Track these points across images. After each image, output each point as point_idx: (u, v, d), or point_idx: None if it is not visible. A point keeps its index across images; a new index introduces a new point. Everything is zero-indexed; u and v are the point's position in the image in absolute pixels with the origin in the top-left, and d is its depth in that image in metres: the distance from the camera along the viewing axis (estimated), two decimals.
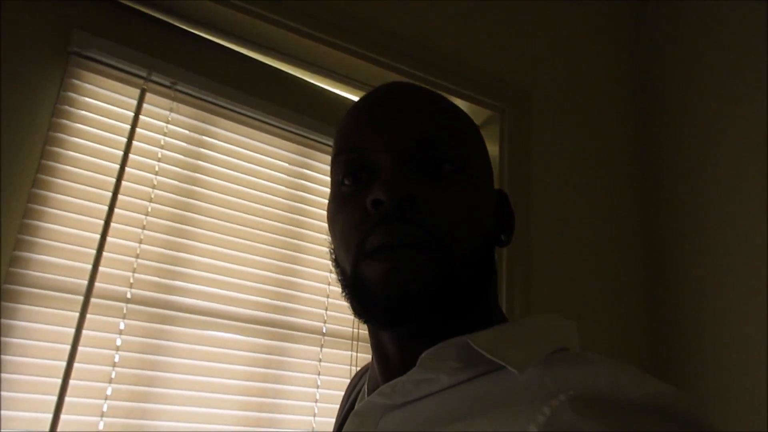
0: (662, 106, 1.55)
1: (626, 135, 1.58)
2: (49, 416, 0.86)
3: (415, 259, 0.41)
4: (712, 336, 1.28)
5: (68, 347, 0.89)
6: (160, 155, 1.05)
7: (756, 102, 1.30)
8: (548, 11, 1.54)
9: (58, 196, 0.93)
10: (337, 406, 0.64)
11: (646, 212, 1.52)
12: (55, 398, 0.87)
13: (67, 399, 0.88)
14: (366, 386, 0.52)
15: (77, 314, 0.91)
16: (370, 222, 0.42)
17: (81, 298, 0.92)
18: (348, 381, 0.67)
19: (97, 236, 0.95)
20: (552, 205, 1.38)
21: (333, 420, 0.70)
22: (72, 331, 0.90)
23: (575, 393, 0.36)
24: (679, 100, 1.50)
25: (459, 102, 1.31)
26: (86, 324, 0.91)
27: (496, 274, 0.49)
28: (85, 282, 0.93)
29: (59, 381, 0.88)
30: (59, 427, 0.86)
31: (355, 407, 0.47)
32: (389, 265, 0.41)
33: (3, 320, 0.86)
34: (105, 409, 0.91)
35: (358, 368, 0.75)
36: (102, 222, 0.96)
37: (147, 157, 1.03)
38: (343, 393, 0.63)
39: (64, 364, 0.88)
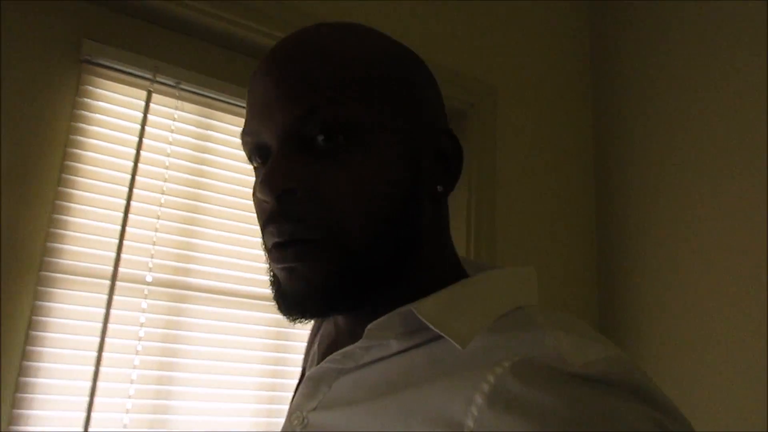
0: (616, 93, 1.65)
1: (584, 117, 1.68)
2: (88, 383, 1.00)
3: (303, 257, 0.39)
4: (656, 289, 1.39)
5: (99, 325, 1.02)
6: (169, 150, 1.15)
7: (708, 93, 1.39)
8: (512, 9, 1.60)
9: (81, 193, 1.05)
10: None
11: (601, 185, 1.64)
12: (91, 368, 1.00)
13: (101, 369, 1.01)
14: (317, 349, 0.52)
15: (105, 296, 1.04)
16: (262, 219, 0.42)
17: (107, 282, 1.04)
18: None
19: (118, 227, 1.07)
20: (518, 183, 1.48)
21: None
22: (102, 311, 1.03)
23: (520, 360, 0.36)
24: (632, 90, 1.62)
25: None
26: (113, 304, 1.04)
27: (439, 224, 0.46)
28: (110, 268, 1.05)
29: (94, 353, 1.01)
30: (96, 394, 1.00)
31: (308, 372, 0.47)
32: (282, 266, 0.40)
33: (42, 303, 0.99)
34: (134, 377, 1.05)
35: None
36: (121, 214, 1.08)
37: (157, 153, 1.14)
38: None
39: (97, 339, 1.02)
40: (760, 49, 1.30)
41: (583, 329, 0.39)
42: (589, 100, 1.71)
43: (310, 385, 0.45)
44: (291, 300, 0.41)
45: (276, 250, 0.40)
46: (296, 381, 0.57)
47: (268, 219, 0.40)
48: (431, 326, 0.39)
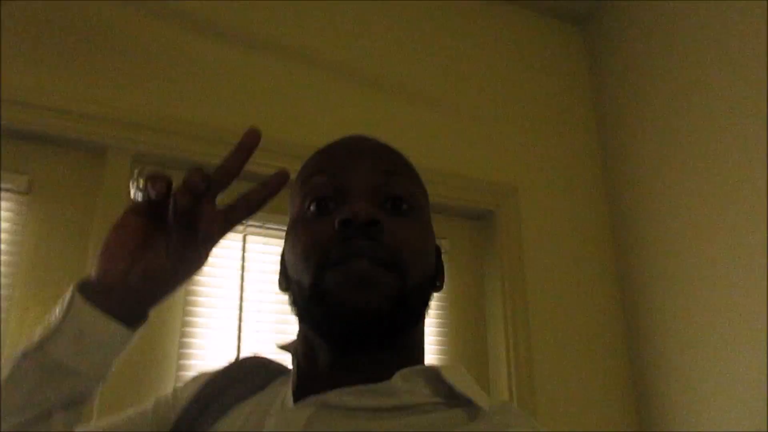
0: (628, 175, 1.80)
1: (599, 203, 1.85)
2: None
3: (375, 272, 0.45)
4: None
5: None
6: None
7: (718, 169, 1.52)
8: (521, 117, 1.88)
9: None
10: None
11: (621, 265, 1.78)
12: None
13: None
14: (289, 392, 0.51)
15: None
16: (336, 239, 0.46)
17: None
18: None
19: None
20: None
21: None
22: None
23: None
24: (643, 169, 1.75)
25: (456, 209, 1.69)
26: None
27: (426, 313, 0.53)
28: None
29: None
30: None
31: (310, 403, 0.47)
32: (352, 274, 0.45)
33: None
34: None
35: None
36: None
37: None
38: None
39: None
40: None
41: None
42: (602, 186, 1.88)
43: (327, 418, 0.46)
44: (350, 309, 0.45)
45: (348, 261, 0.45)
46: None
47: (345, 237, 0.46)
48: (460, 390, 0.45)
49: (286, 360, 0.57)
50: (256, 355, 0.63)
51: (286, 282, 0.54)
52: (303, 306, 0.49)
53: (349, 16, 1.73)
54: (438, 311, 1.59)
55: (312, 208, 0.50)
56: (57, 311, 0.47)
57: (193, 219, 0.44)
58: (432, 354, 1.53)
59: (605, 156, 1.92)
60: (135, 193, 0.47)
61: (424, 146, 1.64)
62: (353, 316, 0.45)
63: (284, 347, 0.56)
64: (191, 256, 0.47)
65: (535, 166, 1.81)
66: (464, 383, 0.47)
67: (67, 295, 0.47)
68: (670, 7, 1.75)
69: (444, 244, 1.63)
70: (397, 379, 0.46)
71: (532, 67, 1.94)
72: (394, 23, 1.79)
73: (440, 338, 1.57)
